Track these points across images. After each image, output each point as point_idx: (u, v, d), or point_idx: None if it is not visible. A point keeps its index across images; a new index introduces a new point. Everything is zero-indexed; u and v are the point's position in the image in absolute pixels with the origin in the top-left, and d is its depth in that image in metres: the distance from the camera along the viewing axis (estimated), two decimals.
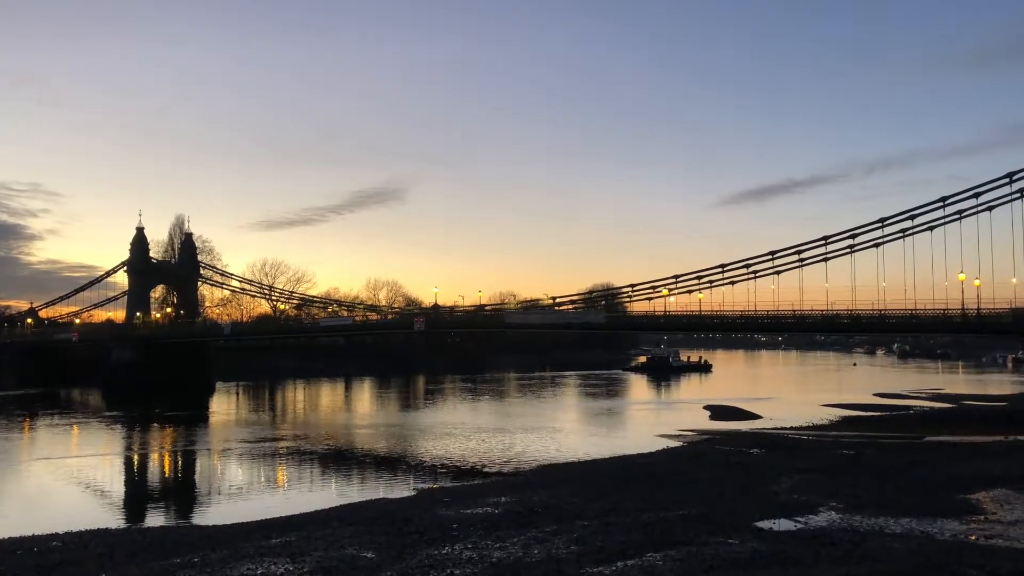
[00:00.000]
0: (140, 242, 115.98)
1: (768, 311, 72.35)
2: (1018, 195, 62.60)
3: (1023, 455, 37.41)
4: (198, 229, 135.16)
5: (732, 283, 73.67)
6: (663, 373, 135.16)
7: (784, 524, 22.26)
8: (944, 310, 66.18)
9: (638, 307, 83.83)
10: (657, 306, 78.84)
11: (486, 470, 41.13)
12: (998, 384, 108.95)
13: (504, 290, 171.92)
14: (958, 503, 24.81)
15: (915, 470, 32.78)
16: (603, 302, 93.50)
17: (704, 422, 63.24)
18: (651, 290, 78.08)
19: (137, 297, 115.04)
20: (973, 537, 20.02)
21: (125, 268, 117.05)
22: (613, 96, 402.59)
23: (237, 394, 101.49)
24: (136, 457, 50.47)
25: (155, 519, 31.64)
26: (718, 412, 69.80)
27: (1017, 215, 62.76)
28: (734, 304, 74.15)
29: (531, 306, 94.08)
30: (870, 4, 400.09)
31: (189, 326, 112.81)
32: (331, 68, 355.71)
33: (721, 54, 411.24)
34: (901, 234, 66.96)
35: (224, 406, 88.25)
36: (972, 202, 64.37)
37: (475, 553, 19.11)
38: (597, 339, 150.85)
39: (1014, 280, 64.85)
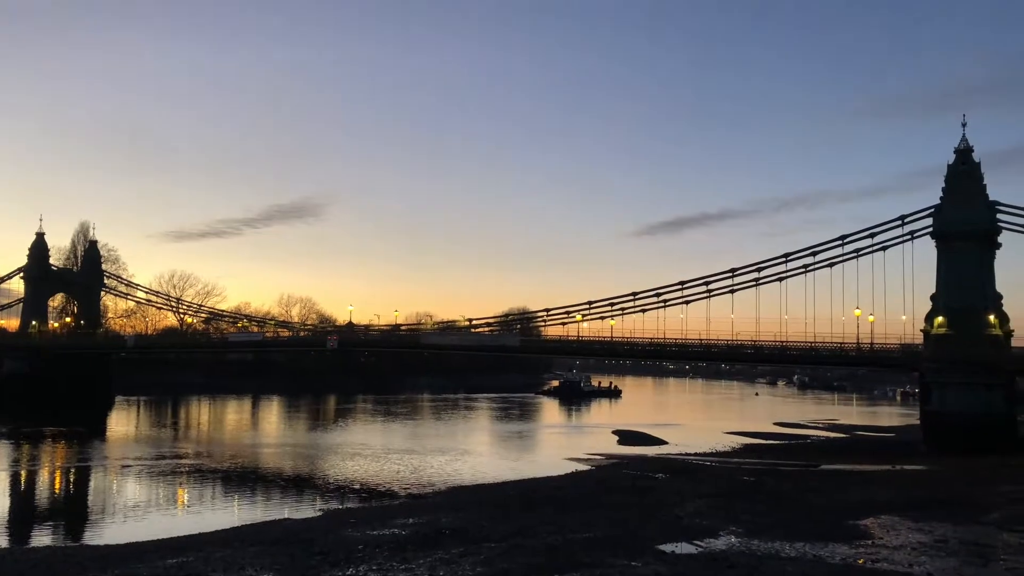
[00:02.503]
0: (39, 248, 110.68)
1: (676, 339, 74.40)
2: (909, 237, 66.33)
3: (907, 483, 39.40)
4: (104, 237, 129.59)
5: (643, 311, 75.55)
6: (574, 397, 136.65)
7: (686, 547, 22.84)
8: (841, 344, 69.43)
9: (552, 331, 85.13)
10: (571, 331, 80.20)
11: (395, 491, 40.78)
12: (887, 416, 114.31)
13: (421, 311, 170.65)
14: (848, 528, 25.93)
15: (810, 497, 34.10)
16: (518, 326, 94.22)
17: (612, 446, 64.26)
18: (565, 315, 79.32)
19: (33, 305, 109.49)
20: (861, 561, 20.96)
21: (21, 275, 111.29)
22: (532, 122, 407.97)
23: (138, 409, 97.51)
24: (24, 473, 47.81)
25: (42, 538, 30.15)
26: (626, 437, 71.06)
27: (908, 255, 66.52)
28: (644, 332, 76.08)
29: (447, 327, 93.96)
30: (787, 53, 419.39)
31: (90, 337, 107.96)
32: (249, 80, 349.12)
33: (642, 89, 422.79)
34: (803, 269, 70.00)
35: (124, 421, 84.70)
36: (868, 241, 67.91)
37: (380, 574, 18.94)
38: (511, 362, 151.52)
39: (903, 317, 68.63)
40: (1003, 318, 63.49)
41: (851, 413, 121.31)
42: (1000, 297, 64.06)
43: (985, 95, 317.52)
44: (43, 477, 47.20)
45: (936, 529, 25.59)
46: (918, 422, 69.85)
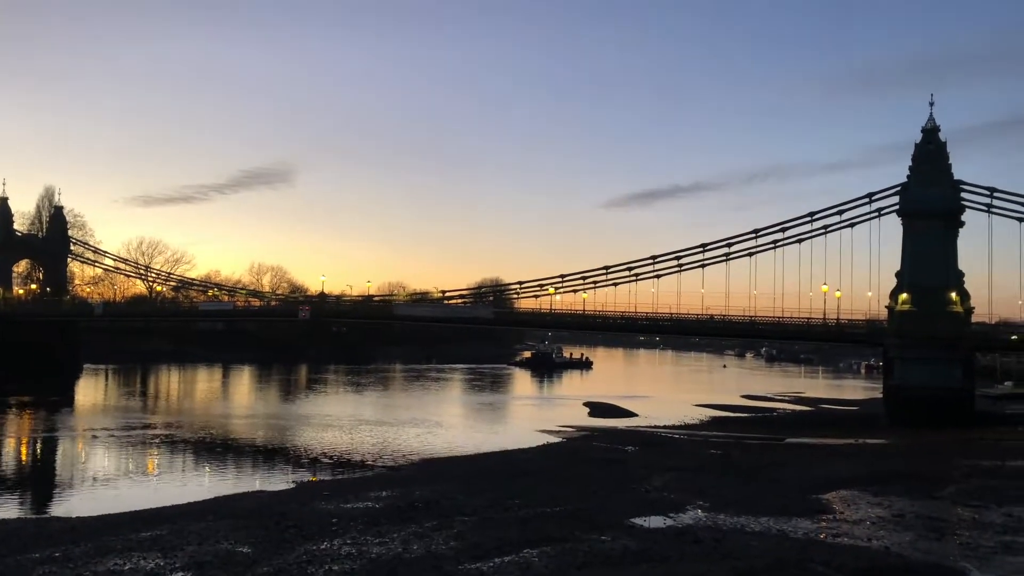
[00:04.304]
0: (3, 213, 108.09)
1: (647, 313, 75.27)
2: (876, 214, 67.44)
3: (869, 457, 40.40)
4: (70, 202, 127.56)
5: (615, 284, 76.19)
6: (546, 369, 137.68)
7: (654, 521, 23.34)
8: (808, 319, 70.68)
9: (525, 304, 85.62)
10: (544, 304, 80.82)
11: (368, 463, 41.04)
12: (852, 389, 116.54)
13: (393, 281, 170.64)
14: (811, 503, 26.61)
15: (775, 470, 34.82)
16: (491, 298, 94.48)
17: (583, 419, 64.99)
18: (538, 288, 79.74)
19: None
20: (823, 535, 21.57)
21: None
22: (506, 95, 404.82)
23: (107, 378, 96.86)
24: None
25: (9, 511, 29.92)
26: (597, 409, 71.85)
27: (875, 232, 67.82)
28: (616, 305, 76.87)
29: (420, 298, 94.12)
30: (760, 22, 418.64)
31: (56, 304, 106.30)
32: (221, 45, 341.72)
33: (614, 59, 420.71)
34: (772, 245, 70.88)
35: (92, 390, 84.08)
36: (836, 218, 68.91)
37: (354, 548, 19.18)
38: (484, 333, 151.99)
39: (869, 294, 70.10)
40: (964, 295, 64.91)
41: (817, 386, 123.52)
42: (962, 275, 65.43)
43: (954, 71, 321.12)
44: (9, 447, 46.80)
45: (895, 503, 26.35)
46: (881, 396, 71.42)
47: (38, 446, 47.19)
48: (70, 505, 30.44)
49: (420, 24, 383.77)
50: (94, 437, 48.39)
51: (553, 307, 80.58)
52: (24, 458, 44.27)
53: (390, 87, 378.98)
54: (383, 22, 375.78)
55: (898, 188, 66.44)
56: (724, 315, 73.57)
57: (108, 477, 37.13)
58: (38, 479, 38.34)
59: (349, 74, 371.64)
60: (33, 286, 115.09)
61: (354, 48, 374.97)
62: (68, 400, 70.82)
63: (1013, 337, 70.09)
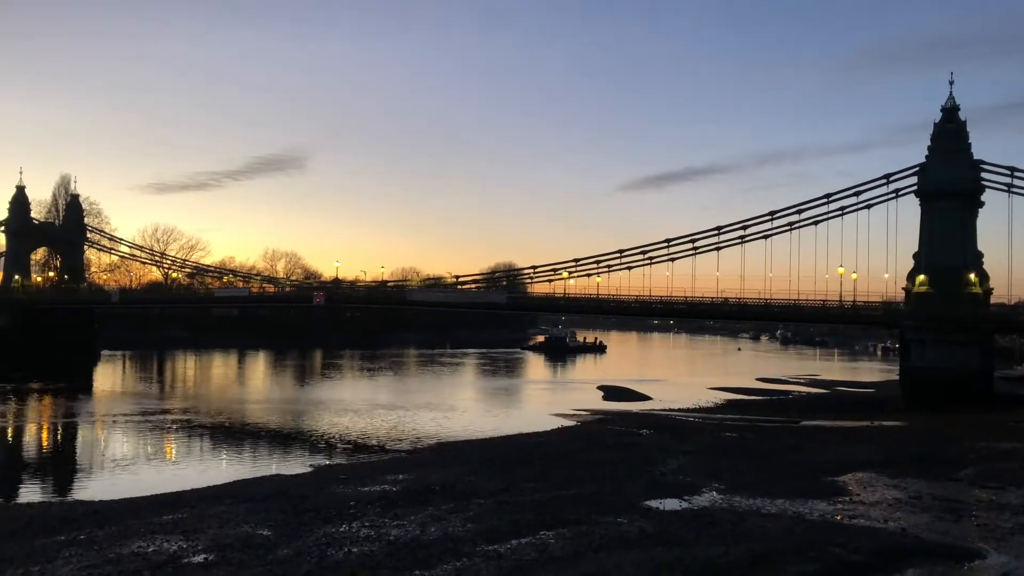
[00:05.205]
0: (20, 201, 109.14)
1: (662, 297, 75.06)
2: (893, 195, 66.82)
3: (886, 440, 40.19)
4: (85, 190, 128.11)
5: (629, 268, 76.00)
6: (560, 353, 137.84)
7: (670, 504, 23.31)
8: (824, 301, 70.26)
9: (539, 288, 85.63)
10: (557, 288, 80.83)
11: (384, 447, 41.33)
12: (868, 372, 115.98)
13: (407, 266, 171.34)
14: (827, 485, 26.50)
15: (791, 453, 34.69)
16: (505, 282, 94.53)
17: (597, 402, 65.08)
18: (552, 272, 79.72)
19: (15, 260, 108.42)
20: (839, 517, 21.50)
21: (2, 228, 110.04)
22: (519, 78, 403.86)
23: (124, 364, 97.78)
24: (11, 429, 48.00)
25: (34, 495, 30.42)
26: (611, 393, 71.92)
27: (892, 214, 67.16)
28: (630, 289, 76.76)
29: (434, 284, 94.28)
30: (774, 6, 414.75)
31: (74, 292, 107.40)
32: (233, 33, 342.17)
33: (628, 42, 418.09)
34: (788, 227, 70.46)
35: (110, 376, 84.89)
36: (853, 200, 68.40)
37: (372, 531, 19.30)
38: (497, 318, 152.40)
39: (886, 275, 69.57)
40: (983, 276, 64.32)
41: (832, 368, 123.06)
42: (981, 256, 64.81)
43: (973, 50, 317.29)
44: (30, 433, 47.46)
45: (911, 485, 26.21)
46: (898, 378, 71.01)
47: (59, 431, 47.80)
48: (92, 489, 30.83)
49: (433, 8, 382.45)
50: (113, 422, 48.96)
51: (567, 291, 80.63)
52: (45, 443, 44.84)
53: (403, 72, 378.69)
54: (396, 7, 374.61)
55: (916, 168, 65.77)
56: (739, 298, 73.33)
57: (128, 461, 37.60)
58: (60, 464, 38.82)
59: (361, 59, 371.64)
60: (51, 273, 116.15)
61: (367, 34, 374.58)
62: (86, 386, 71.60)
63: None
